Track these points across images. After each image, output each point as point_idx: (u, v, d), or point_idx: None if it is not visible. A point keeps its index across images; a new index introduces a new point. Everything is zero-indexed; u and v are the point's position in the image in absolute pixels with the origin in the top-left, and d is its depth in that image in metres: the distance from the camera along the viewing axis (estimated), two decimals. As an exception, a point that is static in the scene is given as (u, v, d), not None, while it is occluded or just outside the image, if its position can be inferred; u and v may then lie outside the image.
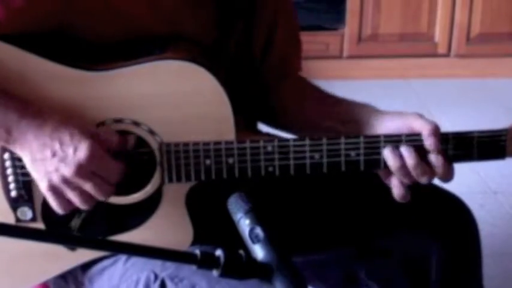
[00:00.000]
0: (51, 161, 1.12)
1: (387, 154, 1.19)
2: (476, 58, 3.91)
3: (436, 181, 1.25)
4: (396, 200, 1.23)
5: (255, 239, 0.89)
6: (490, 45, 3.88)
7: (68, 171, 1.12)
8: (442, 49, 3.89)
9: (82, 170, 1.12)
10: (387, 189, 1.24)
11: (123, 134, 1.19)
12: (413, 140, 1.19)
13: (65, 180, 1.13)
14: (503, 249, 2.49)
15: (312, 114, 1.37)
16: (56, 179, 1.13)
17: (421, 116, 1.21)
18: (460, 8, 3.82)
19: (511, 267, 2.42)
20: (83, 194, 1.14)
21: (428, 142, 1.17)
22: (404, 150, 1.18)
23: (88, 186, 1.13)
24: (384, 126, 1.24)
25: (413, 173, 1.18)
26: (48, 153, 1.12)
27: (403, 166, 1.18)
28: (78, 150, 1.11)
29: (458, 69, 3.91)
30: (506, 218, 2.70)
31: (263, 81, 1.41)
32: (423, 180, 1.19)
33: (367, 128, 1.27)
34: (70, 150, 1.11)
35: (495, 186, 2.89)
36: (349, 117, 1.31)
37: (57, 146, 1.12)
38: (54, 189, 1.14)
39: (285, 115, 1.42)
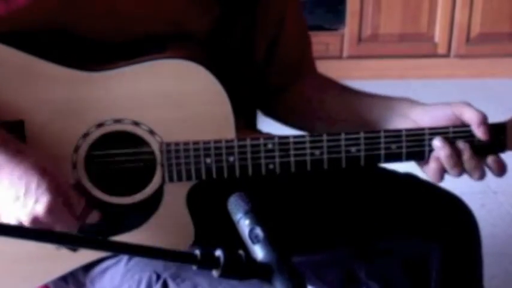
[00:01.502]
0: (12, 205, 1.11)
1: (438, 143, 1.19)
2: (476, 58, 3.91)
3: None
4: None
5: (254, 239, 0.89)
6: (490, 45, 3.88)
7: (24, 218, 1.11)
8: (442, 49, 3.90)
9: (38, 222, 1.10)
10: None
11: (124, 135, 1.19)
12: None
13: (22, 223, 1.12)
14: (503, 249, 2.49)
15: (340, 110, 1.36)
16: (15, 222, 1.12)
17: (470, 105, 1.22)
18: (460, 8, 3.82)
19: (511, 267, 2.42)
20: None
21: (480, 131, 1.19)
22: (460, 143, 1.19)
23: (47, 227, 1.12)
24: (431, 114, 1.25)
25: (467, 166, 1.20)
26: (12, 196, 1.10)
27: (452, 155, 1.19)
28: (38, 203, 1.10)
29: (458, 70, 3.91)
30: (506, 218, 2.70)
31: (272, 81, 1.41)
32: (476, 175, 1.22)
33: (403, 121, 1.27)
34: (31, 201, 1.10)
35: (495, 186, 2.90)
36: (380, 111, 1.31)
37: (21, 191, 1.10)
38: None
39: (306, 112, 1.41)
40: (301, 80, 1.43)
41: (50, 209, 1.10)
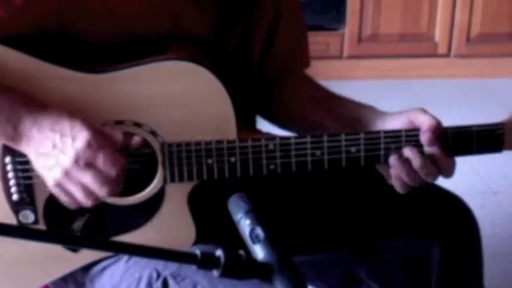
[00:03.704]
0: (52, 154, 1.12)
1: (394, 163, 1.20)
2: (476, 58, 3.91)
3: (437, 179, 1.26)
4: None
5: (255, 239, 0.89)
6: (490, 45, 3.88)
7: (66, 161, 1.11)
8: (442, 49, 3.89)
9: (80, 160, 1.11)
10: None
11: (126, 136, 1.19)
12: (413, 135, 1.20)
13: (66, 173, 1.12)
14: (503, 249, 2.49)
15: (314, 115, 1.37)
16: (57, 173, 1.12)
17: (425, 111, 1.22)
18: (460, 8, 3.82)
19: (511, 267, 2.42)
20: (84, 188, 1.13)
21: (424, 137, 1.19)
22: (409, 151, 1.19)
23: (87, 178, 1.12)
24: (389, 125, 1.25)
25: (421, 173, 1.19)
26: (49, 145, 1.12)
27: (411, 171, 1.20)
28: (77, 140, 1.11)
29: (458, 69, 3.91)
30: (506, 218, 2.70)
31: (266, 79, 1.41)
32: (429, 179, 1.21)
33: (371, 128, 1.28)
34: (69, 140, 1.11)
35: (495, 186, 2.90)
36: (353, 118, 1.31)
37: (57, 138, 1.12)
38: (59, 185, 1.14)
39: (287, 114, 1.42)
40: (294, 79, 1.43)
41: (89, 142, 1.11)
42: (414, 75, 3.89)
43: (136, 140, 1.17)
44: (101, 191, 1.14)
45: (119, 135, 1.15)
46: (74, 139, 1.11)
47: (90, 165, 1.12)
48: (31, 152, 1.15)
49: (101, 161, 1.12)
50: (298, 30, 1.44)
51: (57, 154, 1.12)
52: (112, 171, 1.13)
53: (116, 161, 1.13)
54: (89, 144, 1.11)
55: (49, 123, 1.13)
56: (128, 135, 1.16)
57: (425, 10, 3.83)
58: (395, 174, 1.22)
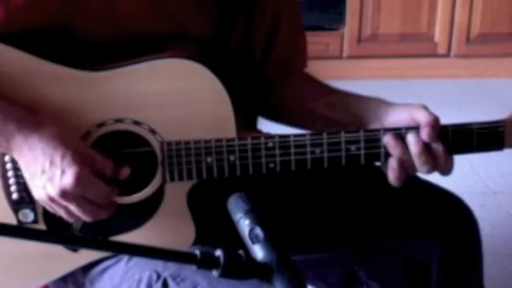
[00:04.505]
0: (40, 178, 1.12)
1: (388, 141, 1.19)
2: (476, 58, 3.91)
3: (436, 178, 1.25)
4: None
5: (254, 239, 0.89)
6: (490, 45, 3.88)
7: (53, 191, 1.12)
8: (442, 49, 3.89)
9: (66, 194, 1.12)
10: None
11: (125, 134, 1.19)
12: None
13: (51, 199, 1.13)
14: (503, 249, 2.49)
15: (316, 110, 1.37)
16: (42, 195, 1.13)
17: (424, 107, 1.22)
18: (460, 8, 3.82)
19: (511, 267, 2.42)
20: (68, 212, 1.15)
21: (424, 132, 1.18)
22: (411, 136, 1.19)
23: (73, 207, 1.14)
24: (390, 119, 1.25)
25: (416, 161, 1.18)
26: (38, 169, 1.12)
27: (404, 154, 1.18)
28: (65, 175, 1.11)
29: (458, 69, 3.91)
30: (506, 218, 2.70)
31: (266, 78, 1.41)
32: (424, 169, 1.20)
33: (373, 120, 1.27)
34: (58, 172, 1.11)
35: (495, 186, 2.90)
36: (356, 112, 1.31)
37: (47, 164, 1.11)
38: (44, 202, 1.15)
39: (289, 111, 1.42)
40: (294, 77, 1.43)
41: (78, 179, 1.11)
42: (414, 75, 3.89)
43: (126, 171, 1.17)
44: (87, 217, 1.16)
45: (109, 165, 1.15)
46: (63, 172, 1.11)
47: (78, 197, 1.13)
48: (22, 165, 1.15)
49: (90, 194, 1.13)
50: (298, 30, 1.44)
51: (44, 180, 1.12)
52: (102, 200, 1.15)
53: (106, 190, 1.15)
54: (77, 180, 1.11)
55: (42, 145, 1.12)
56: (119, 165, 1.17)
57: (425, 10, 3.83)
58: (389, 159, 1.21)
